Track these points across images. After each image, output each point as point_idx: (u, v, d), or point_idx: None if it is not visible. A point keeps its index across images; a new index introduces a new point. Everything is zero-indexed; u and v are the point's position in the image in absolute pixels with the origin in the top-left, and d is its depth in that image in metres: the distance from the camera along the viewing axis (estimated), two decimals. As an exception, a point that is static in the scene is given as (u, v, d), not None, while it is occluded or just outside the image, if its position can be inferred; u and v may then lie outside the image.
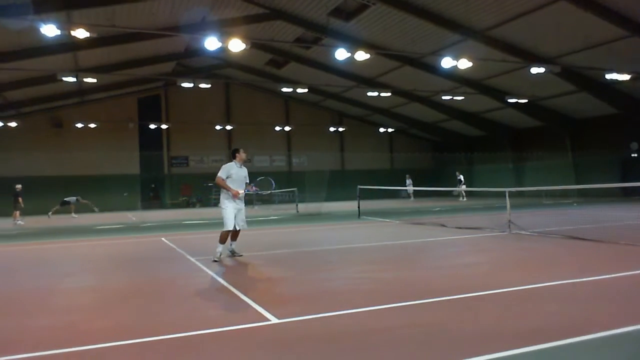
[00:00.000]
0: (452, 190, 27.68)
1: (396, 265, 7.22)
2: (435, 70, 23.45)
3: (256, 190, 8.98)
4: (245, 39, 14.68)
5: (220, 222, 8.15)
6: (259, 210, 25.25)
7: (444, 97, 26.67)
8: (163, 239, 11.90)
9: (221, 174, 8.16)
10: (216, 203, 31.10)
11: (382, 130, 38.36)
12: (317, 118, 38.16)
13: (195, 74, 32.06)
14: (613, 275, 5.70)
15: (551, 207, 19.42)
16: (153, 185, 34.30)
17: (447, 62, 18.30)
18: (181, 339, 3.76)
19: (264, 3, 21.48)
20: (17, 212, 20.45)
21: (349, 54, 16.03)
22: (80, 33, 13.37)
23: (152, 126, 32.26)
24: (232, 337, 3.81)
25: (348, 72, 28.42)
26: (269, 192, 8.91)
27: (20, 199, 20.58)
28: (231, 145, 36.19)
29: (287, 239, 11.72)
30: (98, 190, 30.34)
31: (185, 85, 22.14)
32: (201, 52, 27.40)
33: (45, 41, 18.63)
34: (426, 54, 22.67)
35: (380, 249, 9.02)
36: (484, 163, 35.57)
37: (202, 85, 22.28)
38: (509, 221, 10.70)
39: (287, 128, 36.86)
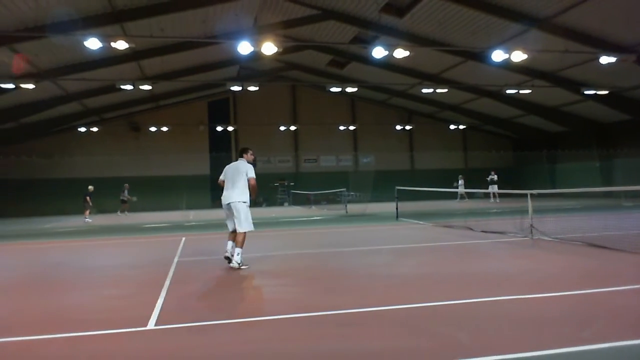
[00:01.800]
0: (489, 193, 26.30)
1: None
2: (501, 63, 21.88)
3: None
4: (299, 41, 14.59)
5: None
6: (314, 210, 25.16)
7: (510, 91, 24.78)
8: (183, 238, 12.17)
9: (254, 174, 7.78)
10: (282, 202, 31.70)
11: (452, 127, 36.64)
12: (384, 117, 37.36)
13: (260, 77, 32.84)
14: (582, 292, 4.77)
15: (627, 210, 17.31)
16: (223, 186, 35.57)
17: (513, 55, 17.14)
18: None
19: (315, 4, 21.30)
20: (87, 211, 22.12)
21: (386, 52, 15.28)
22: (120, 44, 14.03)
23: (220, 128, 33.37)
24: None
25: (410, 69, 27.47)
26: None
27: (88, 199, 22.23)
28: (297, 145, 36.61)
29: (306, 240, 11.43)
30: (171, 190, 32.15)
31: (252, 88, 22.53)
32: (262, 56, 28.04)
33: (109, 52, 20.06)
34: (488, 47, 21.17)
35: (372, 252, 8.42)
36: (569, 161, 32.70)
37: (264, 88, 22.56)
38: (531, 226, 9.66)
39: (352, 127, 36.48)
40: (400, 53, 15.90)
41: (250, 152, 8.08)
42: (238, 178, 7.67)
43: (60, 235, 15.24)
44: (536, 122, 32.73)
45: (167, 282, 6.39)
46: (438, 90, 24.72)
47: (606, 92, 23.03)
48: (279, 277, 6.91)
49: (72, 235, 14.88)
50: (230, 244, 7.75)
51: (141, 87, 19.66)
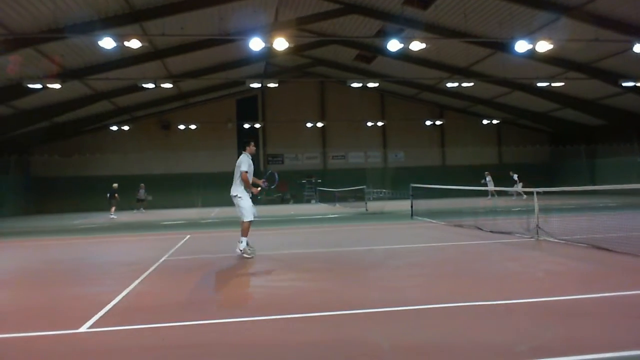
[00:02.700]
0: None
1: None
2: (532, 55, 20.95)
3: (266, 184, 8.66)
4: (323, 36, 14.36)
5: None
6: (336, 208, 24.89)
7: (541, 84, 23.74)
8: (187, 235, 12.16)
9: (245, 167, 8.09)
10: (309, 199, 31.58)
11: (485, 122, 35.52)
12: (414, 112, 36.61)
13: (287, 73, 32.81)
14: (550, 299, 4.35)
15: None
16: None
17: (539, 45, 16.35)
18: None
19: (336, -2, 21.03)
20: (113, 207, 22.67)
21: (401, 45, 14.85)
22: (134, 43, 14.19)
23: (248, 125, 33.59)
24: None
25: (439, 62, 26.78)
26: (273, 186, 8.37)
27: (116, 196, 22.78)
28: (325, 142, 36.39)
29: (310, 238, 11.20)
30: (200, 187, 32.60)
31: (271, 85, 22.53)
32: (288, 52, 27.97)
33: (132, 52, 20.42)
34: (516, 38, 20.30)
35: (360, 253, 8.09)
36: (609, 156, 31.13)
37: (292, 84, 22.48)
38: (537, 226, 9.11)
39: (379, 123, 35.95)
40: (416, 45, 15.44)
41: (252, 144, 8.46)
42: (235, 172, 8.25)
43: (79, 231, 15.59)
44: (573, 116, 31.32)
45: (135, 283, 6.28)
46: (464, 84, 23.88)
47: (646, 83, 21.72)
48: (251, 276, 6.77)
49: (89, 232, 15.17)
50: None
51: (162, 85, 19.85)
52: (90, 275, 7.28)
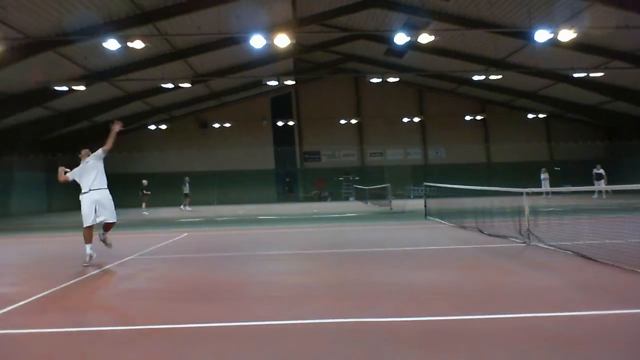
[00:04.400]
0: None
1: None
2: (569, 44, 19.36)
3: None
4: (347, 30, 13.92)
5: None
6: (367, 206, 24.26)
7: (577, 75, 21.93)
8: (185, 233, 12.12)
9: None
10: (346, 197, 31.13)
11: (530, 116, 33.50)
12: (454, 107, 35.23)
13: (318, 69, 32.54)
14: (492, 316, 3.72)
15: None
16: (287, 180, 35.90)
17: (574, 34, 15.22)
18: None
19: (355, -10, 20.50)
20: (144, 204, 23.34)
21: (408, 38, 14.13)
22: (137, 44, 14.42)
23: (282, 123, 33.76)
24: None
25: (473, 55, 25.53)
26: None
27: (145, 192, 23.43)
28: (362, 139, 35.77)
29: (311, 238, 10.75)
30: (237, 185, 33.09)
31: (288, 82, 22.36)
32: (317, 48, 27.70)
33: (153, 52, 20.91)
34: (548, 26, 18.89)
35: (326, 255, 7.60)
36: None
37: (325, 81, 22.25)
38: (528, 230, 8.25)
39: (416, 119, 34.87)
40: (425, 38, 14.61)
41: (85, 151, 8.12)
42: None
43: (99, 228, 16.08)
44: (628, 109, 28.81)
45: (72, 281, 6.26)
46: (492, 77, 22.56)
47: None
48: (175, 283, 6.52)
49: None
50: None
51: (181, 85, 20.18)
52: (25, 273, 7.34)
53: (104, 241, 8.09)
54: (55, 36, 16.52)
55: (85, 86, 19.53)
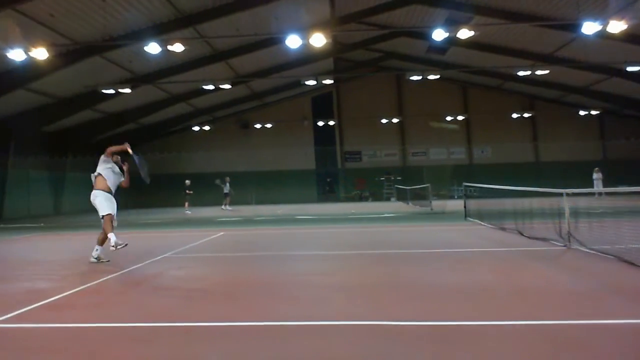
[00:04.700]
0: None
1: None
2: (624, 36, 18.29)
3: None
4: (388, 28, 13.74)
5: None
6: (408, 206, 23.87)
7: (631, 69, 20.72)
8: (222, 232, 12.27)
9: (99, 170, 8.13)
10: (388, 197, 30.82)
11: (582, 112, 31.97)
12: (500, 104, 34.14)
13: (359, 68, 32.32)
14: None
15: None
16: (328, 180, 35.85)
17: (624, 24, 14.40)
18: None
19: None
20: (187, 203, 23.90)
21: (446, 34, 13.77)
22: (177, 47, 14.74)
23: (322, 123, 33.73)
24: None
25: (519, 50, 24.64)
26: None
27: (188, 192, 23.98)
28: (404, 138, 35.25)
29: (345, 238, 10.63)
30: (278, 185, 33.36)
31: (327, 82, 22.28)
32: (357, 46, 27.51)
33: (194, 55, 21.36)
34: (598, 18, 17.95)
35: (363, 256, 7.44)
36: None
37: (367, 79, 22.12)
38: (568, 233, 7.82)
39: (460, 117, 34.01)
40: (464, 33, 14.19)
41: (109, 150, 8.18)
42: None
43: (135, 226, 16.62)
44: (691, 104, 27.06)
45: (103, 278, 6.44)
46: (538, 72, 21.67)
47: None
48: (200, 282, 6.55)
49: (139, 227, 16.12)
50: None
51: (221, 86, 20.52)
52: (65, 269, 7.60)
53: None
54: (101, 41, 17.15)
55: (131, 89, 20.18)
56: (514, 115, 33.22)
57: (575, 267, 6.38)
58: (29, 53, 14.10)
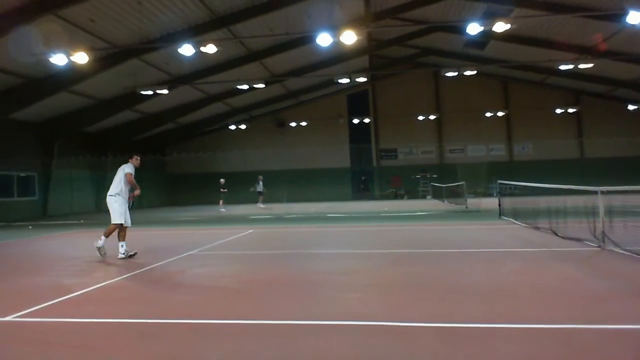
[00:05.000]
0: None
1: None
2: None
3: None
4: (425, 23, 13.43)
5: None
6: (444, 204, 23.42)
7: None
8: (251, 230, 12.36)
9: (129, 170, 8.68)
10: (424, 195, 30.36)
11: (631, 107, 30.45)
12: (542, 99, 32.95)
13: (395, 65, 31.90)
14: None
15: None
16: (363, 178, 35.62)
17: None
18: None
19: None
20: (221, 201, 24.29)
21: (488, 27, 13.38)
22: (211, 48, 14.97)
23: (357, 121, 33.54)
24: None
25: (562, 42, 23.69)
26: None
27: (222, 190, 24.35)
28: (441, 135, 34.61)
29: (375, 237, 10.54)
30: (314, 183, 33.44)
31: (360, 79, 22.15)
32: (393, 43, 27.19)
33: (228, 56, 21.65)
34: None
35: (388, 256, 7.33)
36: None
37: (404, 77, 21.91)
38: (602, 233, 7.45)
39: (500, 113, 33.01)
40: (500, 27, 13.75)
41: (136, 157, 8.92)
42: (119, 174, 8.87)
43: (169, 223, 17.03)
44: None
45: (126, 275, 6.62)
46: (581, 66, 20.75)
47: None
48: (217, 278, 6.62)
49: (174, 224, 16.47)
50: None
51: (255, 85, 20.71)
52: (91, 265, 7.85)
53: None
54: (139, 44, 17.63)
55: (169, 90, 20.63)
56: (558, 111, 31.98)
57: (605, 269, 6.07)
58: (71, 57, 14.65)
